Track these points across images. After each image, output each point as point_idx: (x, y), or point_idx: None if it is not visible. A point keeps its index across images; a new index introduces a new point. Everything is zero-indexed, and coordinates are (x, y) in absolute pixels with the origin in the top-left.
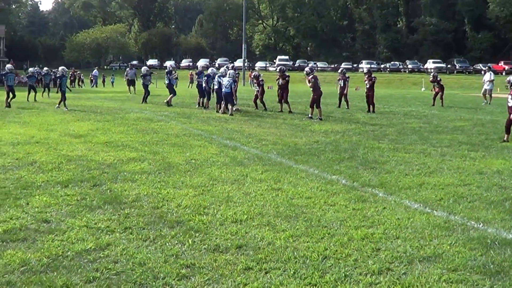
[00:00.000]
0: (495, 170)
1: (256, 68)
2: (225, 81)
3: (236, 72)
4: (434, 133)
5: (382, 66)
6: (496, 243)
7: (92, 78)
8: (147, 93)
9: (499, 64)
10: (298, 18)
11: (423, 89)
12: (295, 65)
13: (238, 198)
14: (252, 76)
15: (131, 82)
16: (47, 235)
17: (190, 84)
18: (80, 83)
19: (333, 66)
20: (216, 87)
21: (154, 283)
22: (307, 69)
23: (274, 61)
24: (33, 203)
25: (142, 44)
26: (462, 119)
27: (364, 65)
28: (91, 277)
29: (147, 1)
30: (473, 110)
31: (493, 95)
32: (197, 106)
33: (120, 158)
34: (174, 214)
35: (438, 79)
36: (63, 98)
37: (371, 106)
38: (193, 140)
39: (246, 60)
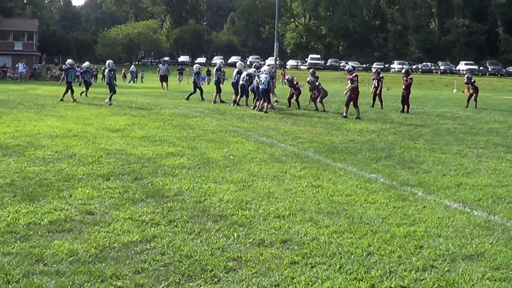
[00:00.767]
0: None
1: (287, 66)
2: (262, 77)
3: (272, 66)
4: (469, 135)
5: (414, 67)
6: None
7: (126, 73)
8: (201, 90)
9: None
10: (330, 17)
11: (454, 90)
12: (327, 64)
13: (279, 194)
14: (286, 80)
15: (163, 78)
16: (93, 227)
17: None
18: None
19: (364, 66)
20: (241, 83)
21: (202, 275)
22: (349, 66)
23: (306, 59)
24: (76, 195)
25: (174, 40)
26: (497, 121)
27: (396, 66)
28: (140, 268)
29: None
30: (506, 112)
31: None
32: (232, 104)
33: (158, 152)
34: (217, 208)
35: (473, 81)
36: (113, 91)
37: (405, 106)
38: (230, 137)
39: (278, 59)
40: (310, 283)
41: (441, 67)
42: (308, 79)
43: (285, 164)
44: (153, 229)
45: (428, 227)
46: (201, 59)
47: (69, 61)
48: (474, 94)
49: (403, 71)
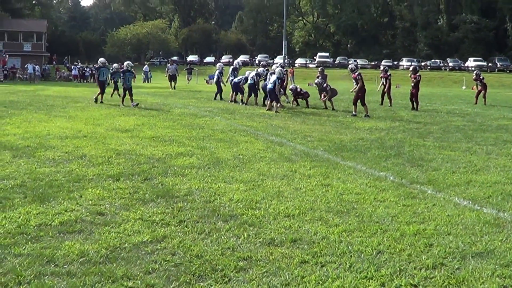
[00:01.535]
0: None
1: (296, 65)
2: (272, 78)
3: (284, 69)
4: (479, 132)
5: (423, 64)
6: None
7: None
8: (220, 90)
9: None
10: (338, 15)
11: (463, 87)
12: (335, 62)
13: (289, 193)
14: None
15: (172, 78)
16: (103, 227)
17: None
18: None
19: (373, 63)
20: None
21: (213, 275)
22: (352, 65)
23: (314, 58)
24: (86, 196)
25: (182, 40)
26: (506, 117)
27: (405, 63)
28: (150, 269)
29: None
30: None
31: None
32: (240, 103)
33: (168, 152)
34: (227, 208)
35: (481, 77)
36: (130, 93)
37: (415, 103)
38: (239, 136)
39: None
40: (320, 282)
41: (450, 64)
42: (316, 81)
43: (294, 163)
44: (163, 229)
45: (438, 225)
46: (210, 58)
47: (101, 59)
48: (482, 91)
49: (410, 69)
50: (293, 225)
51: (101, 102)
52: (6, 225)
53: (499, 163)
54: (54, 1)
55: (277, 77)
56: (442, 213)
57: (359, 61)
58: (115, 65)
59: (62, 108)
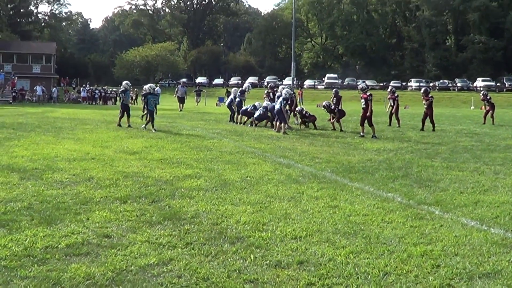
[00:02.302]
0: None
1: (305, 86)
2: (279, 99)
3: (293, 92)
4: (487, 152)
5: (431, 84)
6: None
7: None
8: (233, 112)
9: None
10: (346, 36)
11: (472, 107)
12: (344, 83)
13: (296, 215)
14: (297, 112)
15: (181, 100)
16: (110, 250)
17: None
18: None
19: (382, 84)
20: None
21: None
22: (363, 85)
23: (323, 79)
24: (93, 218)
25: (191, 61)
26: None
27: (413, 84)
28: None
29: (196, 19)
30: None
31: None
32: (249, 125)
33: (176, 175)
34: (234, 230)
35: (488, 97)
36: (151, 117)
37: (431, 124)
38: (247, 158)
39: (295, 78)
40: None
41: (458, 84)
42: (324, 104)
43: (302, 184)
44: (170, 252)
45: (445, 246)
46: (219, 80)
47: (148, 85)
48: (490, 111)
49: (422, 90)
50: (300, 247)
51: (119, 125)
52: (13, 247)
53: (507, 183)
54: (63, 23)
55: (283, 98)
56: (449, 234)
57: (368, 82)
58: (146, 86)
59: (71, 130)
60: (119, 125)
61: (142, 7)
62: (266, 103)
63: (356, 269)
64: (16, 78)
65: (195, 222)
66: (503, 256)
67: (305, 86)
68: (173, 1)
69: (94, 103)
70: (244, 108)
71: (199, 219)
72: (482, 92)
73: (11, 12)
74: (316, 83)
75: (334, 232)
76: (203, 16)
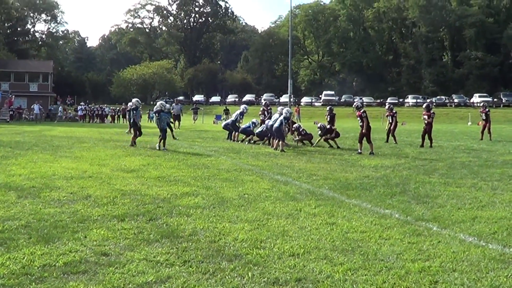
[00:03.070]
0: None
1: (302, 103)
2: (279, 118)
3: (290, 112)
4: (484, 167)
5: (428, 100)
6: None
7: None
8: (235, 130)
9: None
10: (343, 53)
11: (469, 123)
12: (341, 100)
13: (294, 232)
14: (294, 128)
15: (176, 117)
16: (108, 268)
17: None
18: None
19: (379, 101)
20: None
21: None
22: (358, 103)
23: (320, 96)
24: (91, 236)
25: (188, 79)
26: (511, 153)
27: (410, 100)
28: None
29: (193, 37)
30: None
31: None
32: (246, 142)
33: (173, 192)
34: (232, 247)
35: (487, 110)
36: (163, 135)
37: (429, 141)
38: (244, 175)
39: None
40: None
41: (455, 100)
42: (319, 125)
43: (299, 202)
44: (167, 270)
45: (443, 262)
46: (216, 98)
47: (160, 103)
48: (486, 125)
49: (424, 106)
50: (297, 264)
51: (133, 144)
52: (11, 265)
53: (504, 199)
54: (61, 42)
55: (284, 117)
56: (447, 250)
57: (365, 99)
58: (167, 105)
59: (68, 148)
60: (133, 144)
61: (139, 25)
62: (267, 120)
63: (354, 286)
64: (14, 96)
65: (193, 240)
66: (501, 271)
67: (302, 103)
68: (170, 20)
69: (91, 121)
70: (243, 126)
71: (196, 236)
72: (482, 104)
73: (8, 31)
74: (313, 100)
75: (332, 249)
76: (200, 34)
